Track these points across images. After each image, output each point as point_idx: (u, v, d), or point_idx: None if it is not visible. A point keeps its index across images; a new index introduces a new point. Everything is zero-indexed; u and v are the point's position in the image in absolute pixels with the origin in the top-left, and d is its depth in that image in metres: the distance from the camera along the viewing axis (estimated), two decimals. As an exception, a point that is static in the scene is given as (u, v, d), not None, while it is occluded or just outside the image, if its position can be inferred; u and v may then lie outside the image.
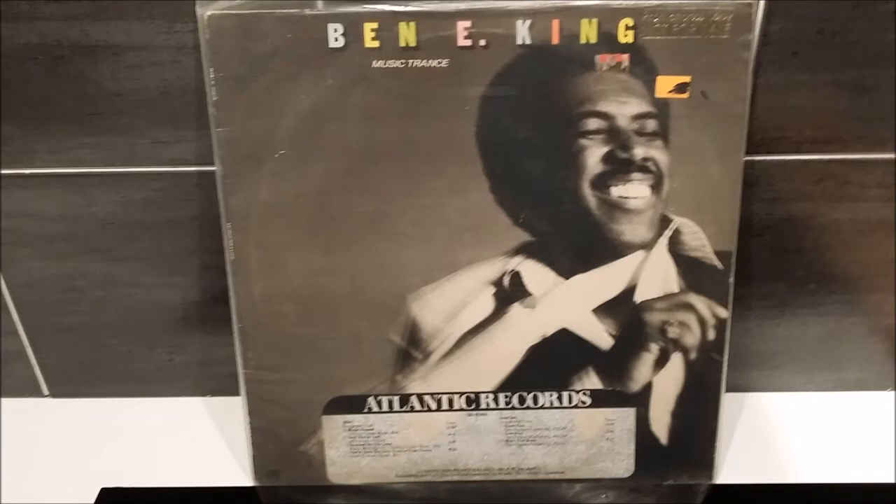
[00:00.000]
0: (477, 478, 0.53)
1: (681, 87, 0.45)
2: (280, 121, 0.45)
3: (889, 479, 0.53)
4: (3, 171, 0.51)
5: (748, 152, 0.49)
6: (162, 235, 0.53)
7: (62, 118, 0.49)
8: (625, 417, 0.51)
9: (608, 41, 0.44)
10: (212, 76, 0.44)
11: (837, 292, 0.54)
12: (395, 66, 0.44)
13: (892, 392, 0.59)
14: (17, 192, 0.51)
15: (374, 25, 0.43)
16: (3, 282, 0.55)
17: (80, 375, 0.59)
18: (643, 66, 0.44)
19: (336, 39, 0.44)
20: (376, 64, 0.44)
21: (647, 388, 0.50)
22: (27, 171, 0.51)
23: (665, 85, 0.44)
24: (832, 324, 0.56)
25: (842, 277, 0.54)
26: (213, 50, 0.44)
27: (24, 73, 0.47)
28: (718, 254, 0.48)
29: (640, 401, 0.51)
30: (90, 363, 0.59)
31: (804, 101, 0.48)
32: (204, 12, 0.43)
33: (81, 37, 0.46)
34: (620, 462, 0.53)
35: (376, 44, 0.44)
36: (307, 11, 0.43)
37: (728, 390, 0.54)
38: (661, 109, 0.45)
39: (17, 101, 0.48)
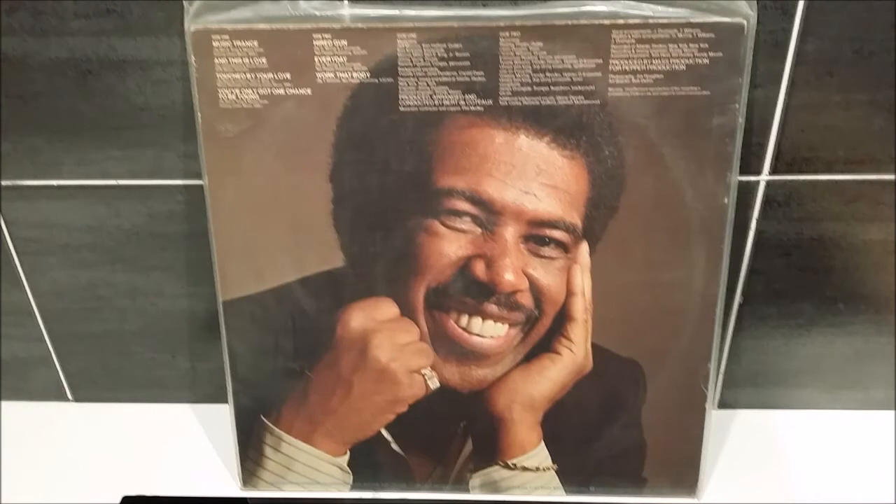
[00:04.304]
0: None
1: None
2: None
3: (916, 502, 0.52)
4: (32, 182, 0.51)
5: (778, 171, 0.48)
6: (186, 246, 0.53)
7: (90, 131, 0.49)
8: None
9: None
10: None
11: (866, 312, 0.54)
12: None
13: (920, 412, 0.58)
14: (45, 202, 0.52)
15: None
16: (29, 290, 0.55)
17: (103, 381, 0.60)
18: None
19: None
20: None
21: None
22: (55, 183, 0.51)
23: None
24: (859, 343, 0.55)
25: (871, 297, 0.53)
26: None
27: (54, 86, 0.47)
28: None
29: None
30: (114, 370, 0.59)
31: (838, 120, 0.47)
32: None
33: (109, 52, 0.46)
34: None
35: None
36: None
37: (753, 407, 0.54)
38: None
39: (47, 114, 0.48)
